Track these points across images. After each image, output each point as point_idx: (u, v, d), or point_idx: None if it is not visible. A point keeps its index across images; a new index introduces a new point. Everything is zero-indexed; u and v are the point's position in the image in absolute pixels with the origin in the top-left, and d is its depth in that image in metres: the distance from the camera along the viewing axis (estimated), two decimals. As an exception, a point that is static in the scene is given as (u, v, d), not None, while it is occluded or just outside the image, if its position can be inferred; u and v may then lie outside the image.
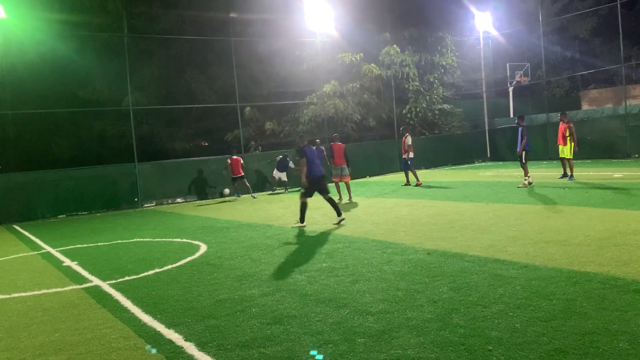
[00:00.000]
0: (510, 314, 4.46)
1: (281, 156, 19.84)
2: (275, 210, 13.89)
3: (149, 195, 18.76)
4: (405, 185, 17.17)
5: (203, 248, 8.92)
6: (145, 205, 18.55)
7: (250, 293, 5.80)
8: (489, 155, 27.30)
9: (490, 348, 3.80)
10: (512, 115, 28.39)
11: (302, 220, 10.45)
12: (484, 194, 13.25)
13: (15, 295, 6.63)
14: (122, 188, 18.51)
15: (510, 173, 13.98)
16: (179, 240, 10.15)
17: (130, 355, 4.22)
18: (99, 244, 10.59)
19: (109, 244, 10.50)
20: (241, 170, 18.46)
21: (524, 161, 13.96)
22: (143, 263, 8.07)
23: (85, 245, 10.56)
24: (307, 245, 8.36)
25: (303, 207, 10.38)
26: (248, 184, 18.66)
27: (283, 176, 19.69)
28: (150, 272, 7.29)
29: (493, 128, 27.47)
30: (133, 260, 8.39)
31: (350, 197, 14.56)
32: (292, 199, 16.20)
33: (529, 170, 14.08)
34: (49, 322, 5.35)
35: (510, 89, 28.21)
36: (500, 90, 30.08)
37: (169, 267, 7.57)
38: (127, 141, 20.01)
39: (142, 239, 10.74)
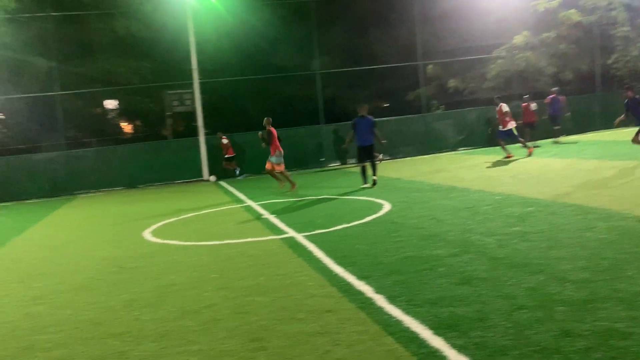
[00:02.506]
0: None
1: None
2: (459, 172, 13.52)
3: (334, 155, 19.59)
4: (507, 157, 15.08)
5: (387, 207, 9.09)
6: (330, 165, 19.45)
7: (436, 253, 5.77)
8: None
9: None
10: None
11: (364, 181, 12.19)
12: None
13: (226, 242, 7.51)
14: (309, 148, 19.64)
15: None
16: (363, 198, 10.48)
17: (326, 302, 4.51)
18: (291, 199, 11.44)
19: (300, 199, 11.27)
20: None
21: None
22: (332, 218, 8.52)
23: (280, 200, 11.49)
24: (495, 208, 8.00)
25: (363, 170, 12.28)
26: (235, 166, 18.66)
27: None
28: (339, 227, 7.66)
29: None
30: (322, 215, 8.91)
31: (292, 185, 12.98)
32: (474, 160, 15.59)
33: None
34: (254, 267, 5.97)
35: None
36: None
37: (356, 223, 7.87)
38: (313, 104, 21.03)
39: (329, 196, 11.32)
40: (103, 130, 24.94)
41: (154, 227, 9.43)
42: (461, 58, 23.04)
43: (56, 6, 19.34)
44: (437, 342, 3.52)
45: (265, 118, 12.76)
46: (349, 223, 7.89)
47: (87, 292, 5.60)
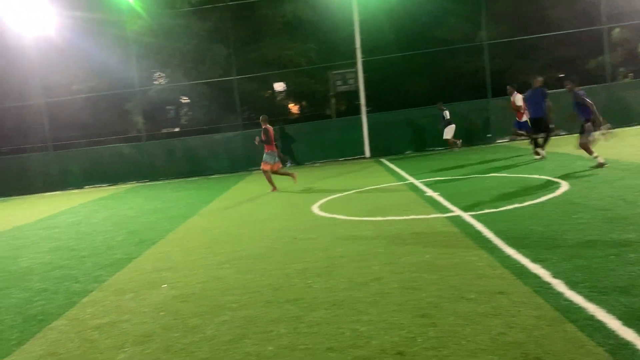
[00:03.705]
0: None
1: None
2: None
3: (503, 131, 18.53)
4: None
5: (565, 186, 8.38)
6: (498, 141, 18.46)
7: (625, 237, 5.18)
8: None
9: None
10: None
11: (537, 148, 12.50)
12: None
13: (389, 218, 7.57)
14: (475, 124, 18.85)
15: None
16: (536, 177, 9.79)
17: (498, 283, 4.33)
18: (455, 177, 11.11)
19: (465, 177, 10.91)
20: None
21: (586, 131, 10.11)
22: (501, 197, 8.11)
23: (443, 178, 11.23)
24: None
25: (535, 143, 12.63)
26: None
27: (449, 131, 17.25)
28: (510, 207, 7.27)
29: None
30: (491, 194, 8.51)
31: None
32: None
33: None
34: (419, 244, 5.93)
35: None
36: None
37: (529, 203, 7.39)
38: (480, 77, 20.06)
39: (497, 174, 10.78)
40: (273, 111, 26.61)
41: (321, 201, 9.86)
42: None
43: (232, -4, 20.96)
44: (628, 334, 3.19)
45: (262, 116, 12.48)
46: (521, 203, 7.44)
47: (265, 259, 6.08)
